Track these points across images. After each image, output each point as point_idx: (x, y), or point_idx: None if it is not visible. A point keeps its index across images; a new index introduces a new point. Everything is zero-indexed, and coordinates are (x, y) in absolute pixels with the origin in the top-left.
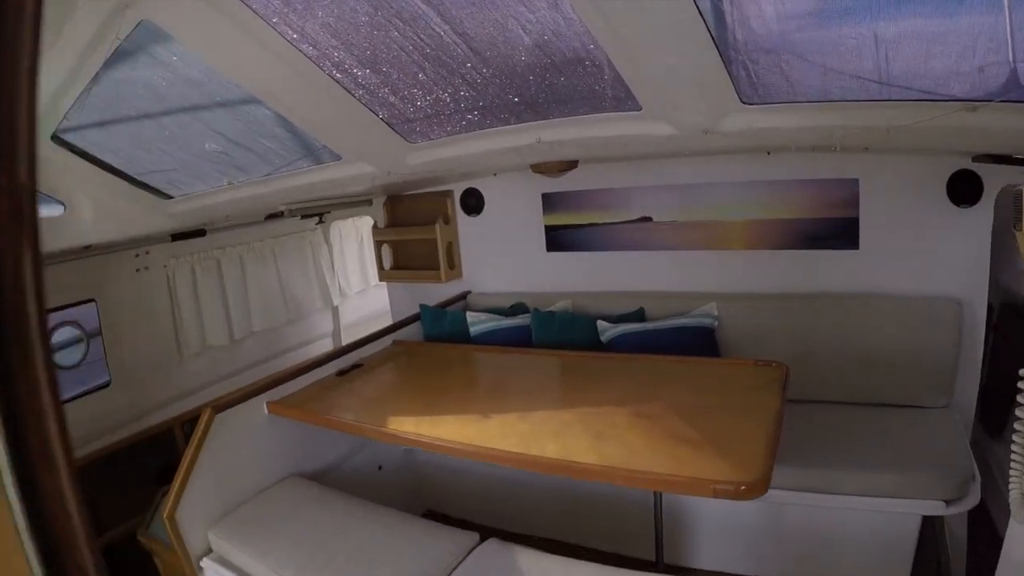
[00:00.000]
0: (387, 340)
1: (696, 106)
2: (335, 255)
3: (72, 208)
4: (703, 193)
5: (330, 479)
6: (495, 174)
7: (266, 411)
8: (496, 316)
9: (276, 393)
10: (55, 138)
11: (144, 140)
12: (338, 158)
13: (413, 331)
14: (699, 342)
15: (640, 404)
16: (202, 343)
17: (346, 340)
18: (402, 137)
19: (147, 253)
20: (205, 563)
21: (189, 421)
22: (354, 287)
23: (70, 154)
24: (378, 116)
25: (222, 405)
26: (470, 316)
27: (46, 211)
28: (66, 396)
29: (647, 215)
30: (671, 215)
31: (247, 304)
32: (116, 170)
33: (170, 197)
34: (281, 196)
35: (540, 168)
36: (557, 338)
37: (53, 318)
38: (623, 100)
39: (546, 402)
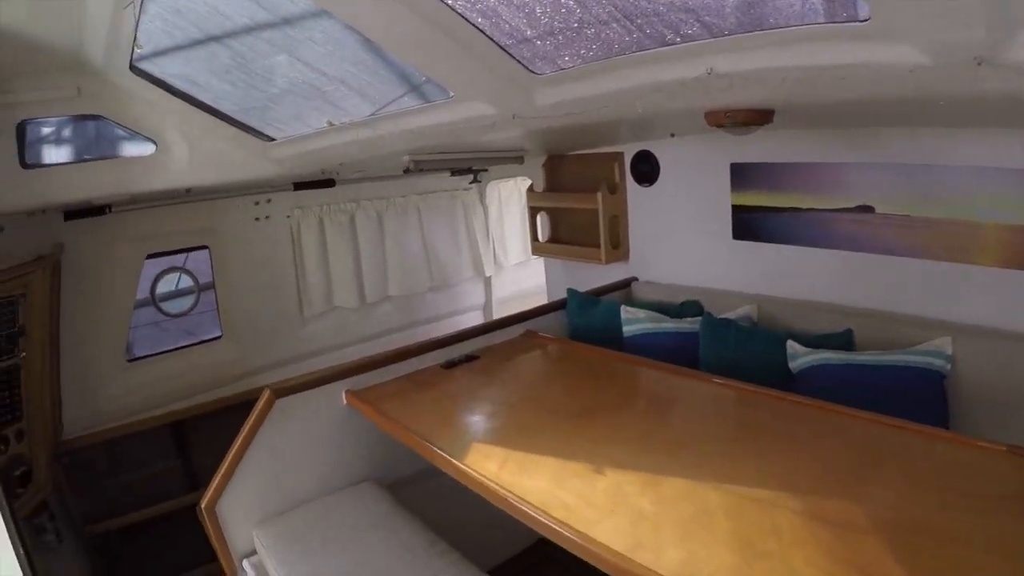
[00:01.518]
0: (518, 328)
1: (968, 13)
2: (491, 219)
3: (164, 147)
4: (945, 179)
5: (410, 493)
6: (673, 134)
7: (343, 401)
8: (658, 316)
9: (361, 381)
10: (134, 69)
11: (221, 68)
12: (448, 95)
13: (554, 321)
14: (922, 392)
15: (828, 496)
16: (328, 303)
17: (498, 316)
18: (523, 65)
19: (268, 201)
20: (246, 565)
21: None
22: (512, 257)
23: (154, 87)
24: (484, 33)
25: (287, 388)
26: (626, 312)
27: (136, 149)
28: (172, 346)
29: (867, 204)
30: (900, 206)
31: (383, 265)
32: (207, 106)
33: (272, 139)
34: (394, 142)
35: (717, 119)
36: (732, 355)
37: (160, 263)
38: (839, 4)
39: (689, 464)
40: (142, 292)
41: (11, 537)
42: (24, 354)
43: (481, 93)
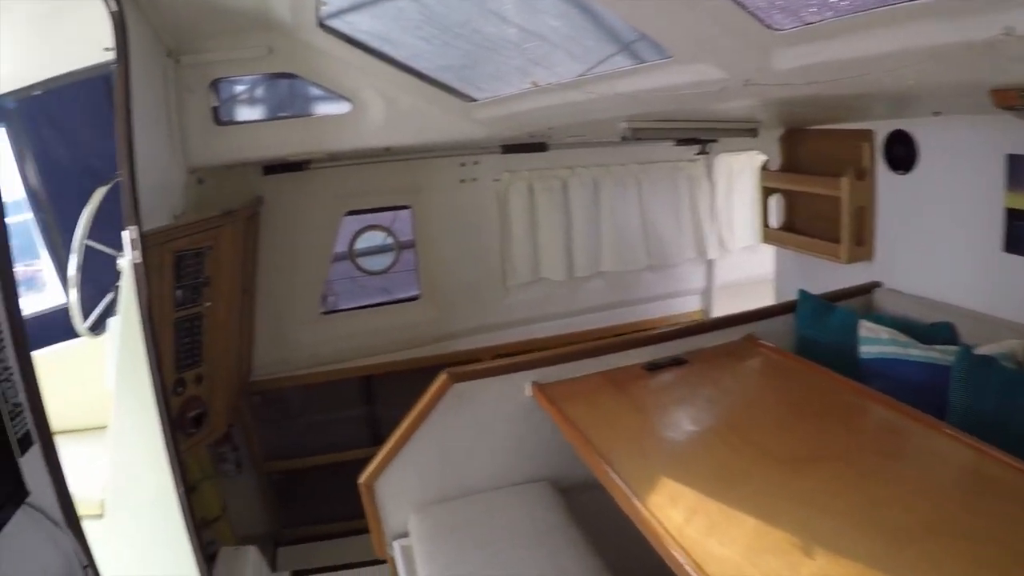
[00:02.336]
0: (737, 331)
1: None
2: (719, 196)
3: (360, 105)
4: None
5: (586, 501)
6: (936, 112)
7: (527, 393)
8: (903, 340)
9: (551, 373)
10: (323, 27)
11: (411, 24)
12: (667, 56)
13: (781, 327)
14: None
15: None
16: (534, 274)
17: (718, 305)
18: (757, 19)
19: (475, 163)
20: (396, 546)
21: (501, 355)
22: (739, 240)
23: (347, 45)
24: None
25: (466, 374)
26: (866, 328)
27: (331, 107)
28: (369, 302)
29: None
30: None
31: (597, 237)
32: (402, 64)
33: (473, 100)
34: (606, 107)
35: (1007, 100)
36: (991, 411)
37: (362, 219)
38: None
39: (920, 563)
40: (341, 247)
41: (174, 475)
42: (208, 304)
43: (706, 53)
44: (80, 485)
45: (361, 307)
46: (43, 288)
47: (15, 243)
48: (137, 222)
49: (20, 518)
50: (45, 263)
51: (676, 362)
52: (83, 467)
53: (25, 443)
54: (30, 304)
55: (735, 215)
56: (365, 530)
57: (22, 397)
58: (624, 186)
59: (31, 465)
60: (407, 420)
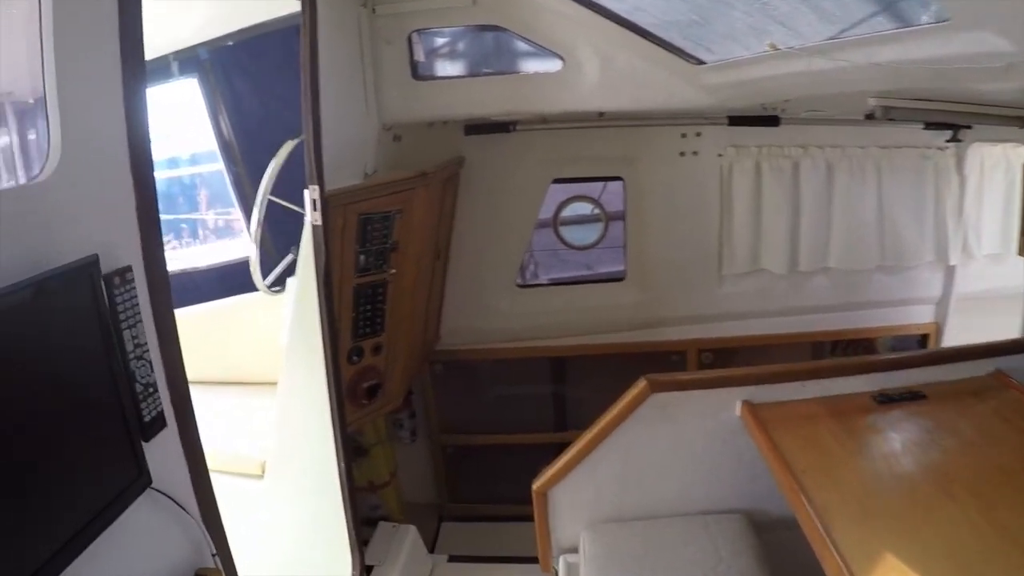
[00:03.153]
0: (984, 365)
1: None
2: (968, 193)
3: (573, 64)
4: None
5: (786, 541)
6: None
7: (736, 412)
8: None
9: (764, 392)
10: None
11: None
12: (942, 19)
13: None
14: None
15: None
16: (752, 263)
17: (954, 320)
18: None
19: (697, 135)
20: (562, 561)
21: (711, 350)
22: (985, 246)
23: None
24: None
25: (668, 383)
26: None
27: (540, 65)
28: (569, 277)
29: None
30: None
31: (827, 229)
32: (622, 19)
33: (701, 62)
34: (856, 78)
35: None
36: None
37: (568, 189)
38: None
39: None
40: (543, 216)
41: (336, 449)
42: (394, 271)
43: (993, 18)
44: (244, 443)
45: (561, 282)
46: (238, 236)
47: (214, 191)
48: (319, 182)
49: (144, 503)
50: (239, 213)
51: (912, 396)
52: (251, 423)
53: (155, 426)
54: (225, 252)
55: (983, 215)
56: (530, 516)
57: (158, 376)
58: (862, 172)
59: (162, 449)
60: (595, 428)
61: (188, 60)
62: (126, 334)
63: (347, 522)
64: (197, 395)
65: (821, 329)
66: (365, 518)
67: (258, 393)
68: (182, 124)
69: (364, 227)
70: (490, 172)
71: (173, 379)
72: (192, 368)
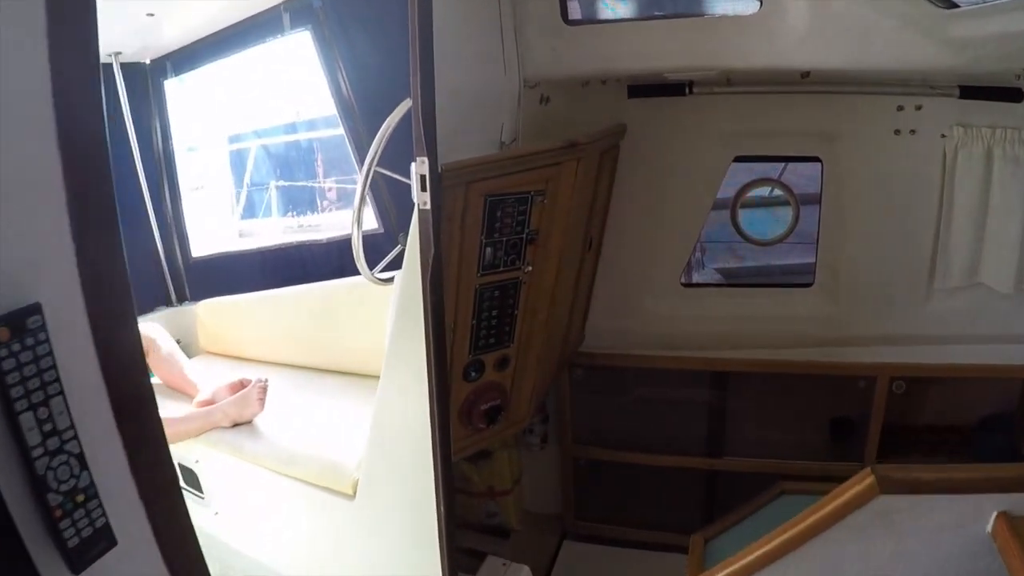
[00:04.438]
0: None
1: None
2: None
3: (773, 5)
4: None
5: None
6: None
7: (986, 528)
8: None
9: None
10: None
11: None
12: None
13: None
14: None
15: None
16: (970, 276)
17: None
18: None
19: (917, 108)
20: None
21: (904, 378)
22: None
23: None
24: None
25: (903, 483)
26: None
27: (730, 6)
28: (746, 279)
29: None
30: None
31: None
32: None
33: (954, 5)
34: None
35: None
36: None
37: (751, 170)
38: None
39: None
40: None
41: (437, 487)
42: (530, 268)
43: None
44: (342, 450)
45: (736, 284)
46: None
47: (334, 155)
48: (428, 152)
49: None
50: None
51: None
52: (351, 426)
53: (91, 549)
54: (337, 223)
55: None
56: (665, 546)
57: (101, 469)
58: None
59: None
60: (784, 533)
61: (300, 10)
62: (25, 417)
63: (443, 560)
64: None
65: None
66: (480, 525)
67: (366, 388)
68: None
69: (492, 212)
70: (658, 145)
71: (142, 462)
72: (299, 354)
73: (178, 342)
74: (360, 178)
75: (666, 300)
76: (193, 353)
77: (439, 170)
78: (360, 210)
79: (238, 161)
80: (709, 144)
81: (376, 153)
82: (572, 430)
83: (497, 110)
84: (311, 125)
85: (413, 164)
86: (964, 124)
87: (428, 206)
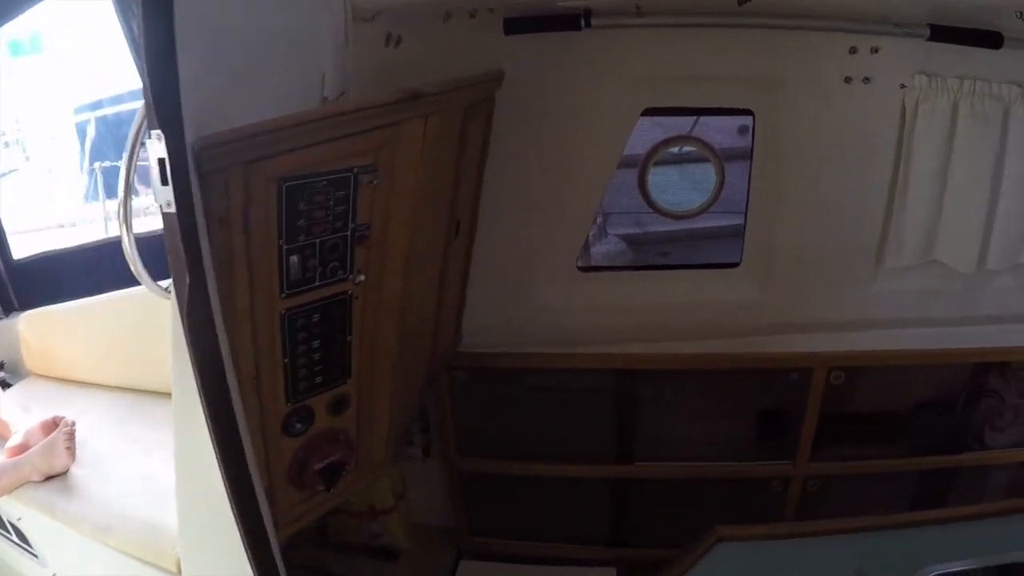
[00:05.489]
0: None
1: None
2: None
3: None
4: None
5: None
6: None
7: None
8: None
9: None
10: None
11: None
12: None
13: None
14: None
15: None
16: (925, 252)
17: None
18: None
19: (873, 51)
20: None
21: (843, 368)
22: None
23: None
24: None
25: (744, 534)
26: None
27: None
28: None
29: None
30: None
31: None
32: None
33: None
34: None
35: None
36: None
37: (665, 126)
38: None
39: None
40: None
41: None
42: (362, 277)
43: None
44: (158, 511)
45: (643, 267)
46: None
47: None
48: (166, 121)
49: None
50: None
51: None
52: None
53: None
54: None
55: None
56: (573, 561)
57: None
58: None
59: None
60: None
61: None
62: None
63: None
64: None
65: (992, 345)
66: (364, 547)
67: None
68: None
69: (292, 203)
70: (545, 96)
71: None
72: (129, 375)
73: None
74: (123, 163)
75: (560, 288)
76: (21, 376)
77: (196, 148)
78: (127, 205)
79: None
80: (611, 93)
81: (140, 127)
82: (456, 440)
83: (312, 53)
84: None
85: (147, 140)
86: (928, 73)
87: (174, 208)
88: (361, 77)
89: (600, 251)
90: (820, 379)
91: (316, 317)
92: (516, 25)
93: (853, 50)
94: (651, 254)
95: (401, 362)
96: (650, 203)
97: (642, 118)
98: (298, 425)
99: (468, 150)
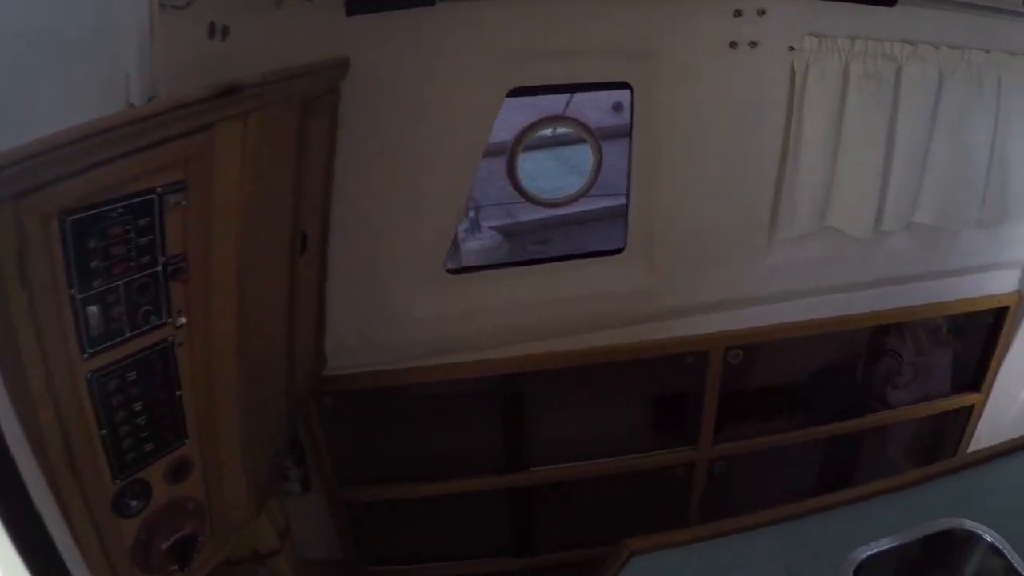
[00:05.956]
0: None
1: None
2: None
3: None
4: None
5: None
6: None
7: None
8: None
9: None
10: None
11: None
12: None
13: None
14: None
15: None
16: (818, 220)
17: None
18: None
19: (760, 14)
20: None
21: (741, 346)
22: None
23: None
24: None
25: (655, 544)
26: None
27: None
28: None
29: None
30: None
31: (920, 170)
32: None
33: None
34: None
35: None
36: None
37: (536, 107)
38: None
39: None
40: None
41: None
42: (184, 319)
43: None
44: None
45: (518, 262)
46: None
47: None
48: None
49: None
50: None
51: None
52: None
53: None
54: None
55: None
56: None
57: None
58: (980, 88)
59: None
60: None
61: None
62: None
63: None
64: None
65: (888, 307)
66: None
67: None
68: None
69: (81, 242)
70: (397, 83)
71: None
72: None
73: None
74: None
75: (429, 295)
76: None
77: None
78: None
79: None
80: (471, 74)
81: None
82: (334, 470)
83: (112, 52)
84: None
85: None
86: (818, 34)
87: None
88: (179, 77)
89: (474, 247)
90: (717, 360)
91: (133, 375)
92: (359, 4)
93: (738, 13)
94: (529, 243)
95: (250, 405)
96: (521, 192)
97: (508, 100)
98: (133, 503)
99: (310, 151)
